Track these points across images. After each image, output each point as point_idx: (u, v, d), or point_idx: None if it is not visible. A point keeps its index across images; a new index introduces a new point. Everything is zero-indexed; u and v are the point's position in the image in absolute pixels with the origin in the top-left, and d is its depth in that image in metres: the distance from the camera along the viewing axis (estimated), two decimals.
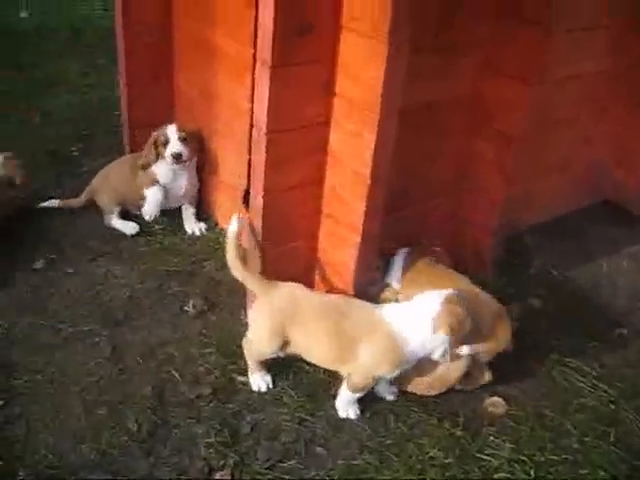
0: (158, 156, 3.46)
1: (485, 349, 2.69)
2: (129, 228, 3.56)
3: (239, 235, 2.65)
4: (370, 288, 2.93)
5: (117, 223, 3.58)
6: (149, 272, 3.31)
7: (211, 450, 2.49)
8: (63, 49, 5.64)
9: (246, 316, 2.80)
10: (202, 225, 3.64)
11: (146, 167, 3.50)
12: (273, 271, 2.74)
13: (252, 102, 2.72)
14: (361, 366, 2.53)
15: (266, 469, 2.45)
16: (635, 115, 3.77)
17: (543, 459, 2.56)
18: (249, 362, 2.73)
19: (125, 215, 3.63)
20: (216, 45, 3.29)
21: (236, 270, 2.66)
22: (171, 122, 3.52)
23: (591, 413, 2.76)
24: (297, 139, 2.63)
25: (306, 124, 2.62)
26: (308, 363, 2.78)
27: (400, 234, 3.14)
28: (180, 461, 2.45)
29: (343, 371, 2.61)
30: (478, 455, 2.56)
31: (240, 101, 3.15)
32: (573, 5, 3.02)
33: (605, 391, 2.85)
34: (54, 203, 3.67)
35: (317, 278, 3.00)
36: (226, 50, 3.23)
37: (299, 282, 2.69)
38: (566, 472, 2.52)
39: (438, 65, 2.89)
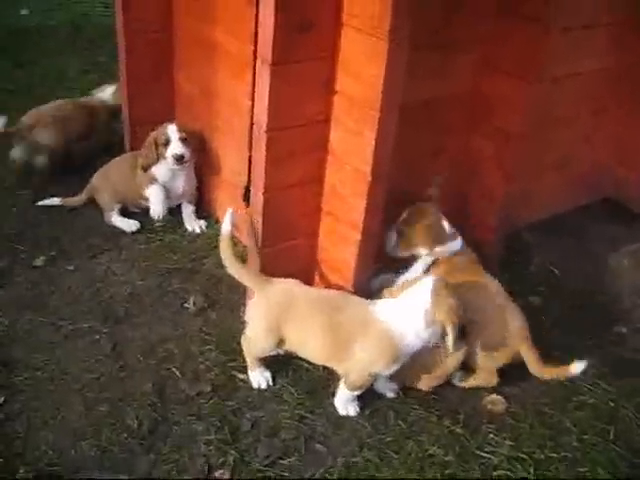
0: (159, 156, 3.45)
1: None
2: (129, 225, 3.56)
3: (233, 232, 2.65)
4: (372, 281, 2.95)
5: (117, 220, 3.58)
6: (149, 269, 3.31)
7: (211, 447, 2.50)
8: (63, 46, 5.63)
9: (245, 315, 2.80)
10: (202, 222, 3.64)
11: (147, 168, 3.50)
12: (273, 269, 2.74)
13: (252, 100, 2.72)
14: (358, 364, 2.54)
15: (266, 466, 2.46)
16: (636, 113, 3.77)
17: (542, 457, 2.56)
18: (248, 359, 2.74)
19: (125, 212, 3.64)
20: (217, 42, 3.29)
21: (232, 268, 2.67)
22: (171, 121, 3.52)
23: (590, 411, 2.76)
24: (297, 137, 2.63)
25: (306, 122, 2.62)
26: (307, 361, 2.78)
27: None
28: (180, 458, 2.46)
29: (339, 369, 2.62)
30: (478, 452, 2.56)
31: (240, 99, 3.15)
32: (572, 2, 3.01)
33: (604, 389, 2.85)
34: (55, 201, 3.67)
35: (317, 276, 3.00)
36: (227, 47, 3.23)
37: (299, 279, 2.70)
38: (565, 470, 2.53)
39: (438, 62, 2.89)
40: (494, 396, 2.79)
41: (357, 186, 2.62)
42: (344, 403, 2.65)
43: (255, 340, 2.68)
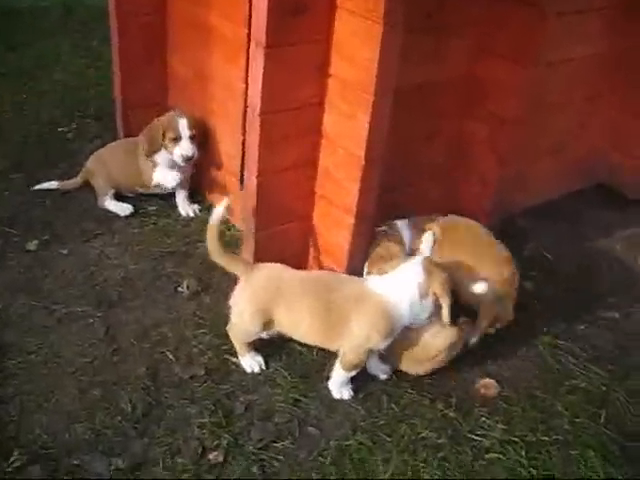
0: (164, 146, 3.41)
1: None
2: (123, 209, 3.55)
3: (226, 218, 2.65)
4: None
5: (111, 204, 3.57)
6: (143, 253, 3.30)
7: (204, 430, 2.51)
8: (56, 28, 5.59)
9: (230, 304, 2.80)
10: (196, 207, 3.63)
11: (150, 155, 3.46)
12: (267, 252, 2.75)
13: (247, 83, 2.71)
14: (354, 340, 2.55)
15: (259, 449, 2.47)
16: (630, 99, 3.77)
17: (534, 440, 2.58)
18: (237, 346, 2.74)
19: (119, 196, 3.62)
20: (211, 25, 3.27)
21: (215, 256, 2.66)
22: (179, 113, 3.40)
23: (582, 394, 2.78)
24: (291, 120, 2.62)
25: (300, 105, 2.61)
26: (301, 344, 2.79)
27: (394, 216, 3.14)
28: (174, 441, 2.47)
29: (333, 348, 2.63)
30: (470, 436, 2.58)
31: (235, 82, 3.13)
32: None
33: (596, 373, 2.87)
34: (52, 185, 3.66)
35: (311, 259, 3.00)
36: (221, 30, 3.21)
37: (293, 263, 2.70)
38: (557, 452, 2.54)
39: (432, 46, 2.88)
40: (487, 380, 2.80)
41: (351, 170, 2.62)
42: (339, 386, 2.66)
43: (240, 324, 2.68)
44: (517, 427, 2.62)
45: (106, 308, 2.98)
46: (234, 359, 2.77)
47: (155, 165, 3.49)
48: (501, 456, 2.51)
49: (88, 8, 5.83)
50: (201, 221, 3.55)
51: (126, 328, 2.90)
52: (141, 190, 3.61)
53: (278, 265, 2.67)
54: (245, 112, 2.77)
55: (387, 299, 2.53)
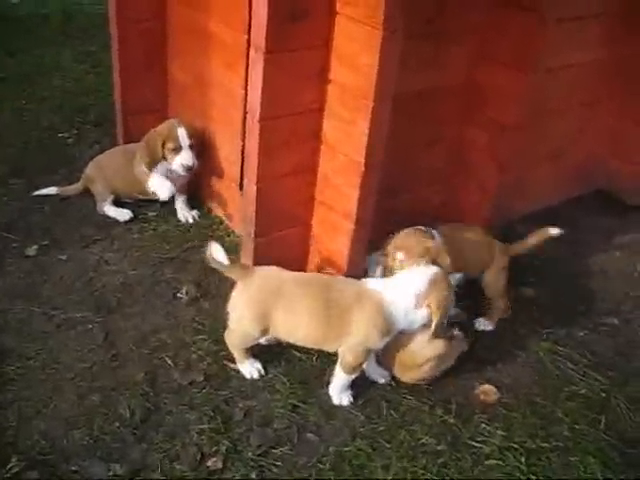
0: (164, 157, 3.41)
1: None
2: (122, 215, 3.55)
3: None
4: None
5: (110, 210, 3.57)
6: (142, 259, 3.30)
7: (203, 436, 2.50)
8: (55, 35, 5.60)
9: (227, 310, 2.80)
10: (195, 212, 3.63)
11: (152, 167, 3.44)
12: (266, 258, 2.74)
13: (246, 89, 2.71)
14: (354, 339, 2.55)
15: (258, 455, 2.46)
16: (629, 105, 3.77)
17: (534, 446, 2.57)
18: (235, 353, 2.73)
19: (118, 202, 3.62)
20: (210, 32, 3.28)
21: (213, 262, 2.64)
22: (178, 121, 3.41)
23: (582, 401, 2.77)
24: (291, 126, 2.63)
25: (300, 111, 2.61)
26: (300, 350, 2.79)
27: (393, 222, 3.14)
28: (172, 447, 2.46)
29: (332, 349, 2.63)
30: (470, 442, 2.57)
31: (234, 88, 3.14)
32: None
33: (596, 379, 2.87)
34: (52, 190, 3.66)
35: (310, 265, 3.00)
36: (220, 37, 3.21)
37: (292, 269, 2.69)
38: (557, 459, 2.54)
39: (432, 52, 2.89)
40: (486, 386, 2.79)
41: (350, 176, 2.62)
42: (339, 391, 2.66)
43: (239, 331, 2.68)
44: (517, 433, 2.62)
45: (105, 314, 2.98)
46: (233, 365, 2.77)
47: (150, 174, 3.48)
48: (501, 462, 2.51)
49: (88, 15, 5.84)
50: (200, 227, 3.56)
51: (125, 334, 2.89)
52: (140, 196, 3.61)
53: (274, 268, 2.66)
54: (245, 118, 2.77)
55: (385, 298, 2.54)
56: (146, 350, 2.82)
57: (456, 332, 2.80)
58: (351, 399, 2.66)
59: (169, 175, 3.47)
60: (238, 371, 2.75)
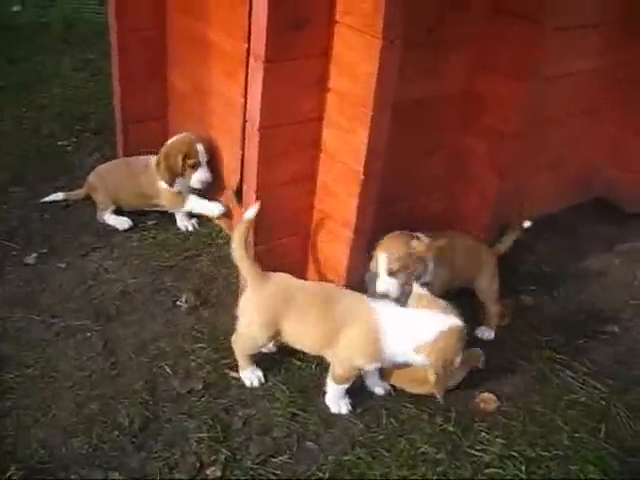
0: (183, 173, 3.44)
1: None
2: (121, 223, 3.55)
3: (251, 222, 2.66)
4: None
5: (110, 218, 3.57)
6: (141, 267, 3.30)
7: (202, 445, 2.49)
8: (56, 43, 5.61)
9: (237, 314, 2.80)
10: (194, 221, 3.63)
11: (173, 182, 3.46)
12: (266, 266, 2.74)
13: (246, 98, 2.71)
14: (340, 353, 2.54)
15: (257, 464, 2.45)
16: (628, 113, 3.78)
17: (534, 455, 2.57)
18: (239, 358, 2.73)
19: (118, 210, 3.62)
20: (210, 40, 3.29)
21: (238, 252, 2.65)
22: (193, 138, 3.44)
23: (582, 409, 2.77)
24: (290, 134, 2.63)
25: (299, 119, 2.61)
26: (299, 359, 2.79)
27: (394, 230, 3.14)
28: (171, 456, 2.45)
29: (327, 356, 2.63)
30: (469, 451, 2.57)
31: (234, 96, 3.14)
32: (567, 2, 3.02)
33: (595, 387, 2.86)
34: (59, 196, 3.68)
35: (310, 273, 3.00)
36: (220, 45, 3.22)
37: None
38: (557, 468, 2.53)
39: (431, 61, 2.89)
40: (486, 394, 2.79)
41: (350, 184, 2.62)
42: (334, 400, 2.65)
43: (247, 335, 2.68)
44: (516, 442, 2.61)
45: (104, 322, 2.97)
46: (232, 373, 2.76)
47: (184, 195, 3.51)
48: (500, 471, 2.50)
49: (88, 23, 5.85)
50: (200, 236, 3.56)
51: (124, 342, 2.89)
52: (145, 208, 3.61)
53: (285, 275, 2.67)
54: (244, 126, 2.77)
55: (382, 329, 2.48)
56: (145, 358, 2.82)
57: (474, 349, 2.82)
58: (349, 407, 2.66)
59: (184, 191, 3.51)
60: (237, 379, 2.75)
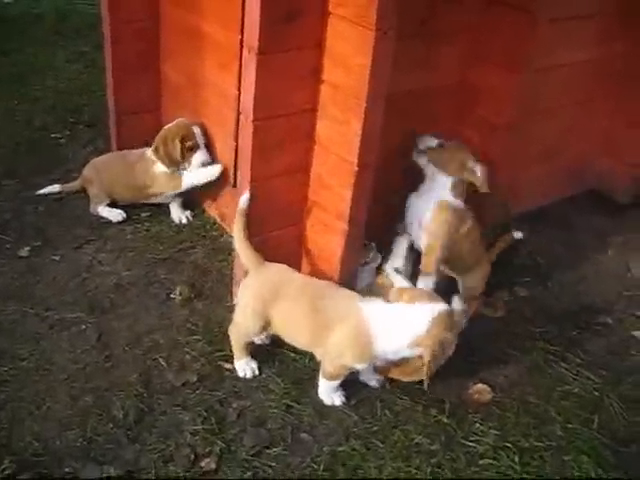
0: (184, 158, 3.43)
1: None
2: (115, 215, 3.54)
3: (246, 210, 2.67)
4: (361, 275, 2.96)
5: (104, 211, 3.56)
6: (135, 260, 3.30)
7: (197, 437, 2.50)
8: (48, 35, 5.58)
9: (232, 303, 2.80)
10: (188, 213, 3.62)
11: (176, 166, 3.44)
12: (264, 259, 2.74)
13: (240, 89, 2.71)
14: (329, 352, 2.54)
15: (252, 456, 2.46)
16: (622, 105, 3.78)
17: (527, 445, 2.58)
18: (235, 347, 2.73)
19: (112, 203, 3.60)
20: (204, 32, 3.27)
21: (238, 242, 2.68)
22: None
23: (575, 400, 2.78)
24: (284, 126, 2.62)
25: (293, 111, 2.61)
26: (294, 351, 2.79)
27: (388, 221, 3.15)
28: (166, 448, 2.46)
29: (317, 355, 2.63)
30: (463, 442, 2.58)
31: (228, 88, 3.13)
32: None
33: (589, 378, 2.87)
34: (55, 188, 3.67)
35: (304, 265, 3.00)
36: (214, 37, 3.21)
37: None
38: (550, 458, 2.54)
39: (424, 52, 2.89)
40: (480, 386, 2.80)
41: (343, 176, 2.62)
42: (327, 393, 2.66)
43: (243, 322, 2.68)
44: (510, 433, 2.62)
45: (98, 314, 2.97)
46: (227, 365, 2.77)
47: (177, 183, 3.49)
48: (494, 462, 2.51)
49: (81, 15, 5.82)
50: (194, 228, 3.56)
51: (118, 335, 2.89)
52: (140, 201, 3.60)
53: (284, 266, 2.67)
54: (238, 118, 2.77)
55: (371, 328, 2.46)
56: (140, 351, 2.82)
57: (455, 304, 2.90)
58: (343, 399, 2.66)
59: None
60: (232, 371, 2.75)
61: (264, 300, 2.59)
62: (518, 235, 3.24)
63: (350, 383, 2.68)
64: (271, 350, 2.83)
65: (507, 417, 2.69)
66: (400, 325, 2.47)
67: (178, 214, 3.60)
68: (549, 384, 2.85)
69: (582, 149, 3.88)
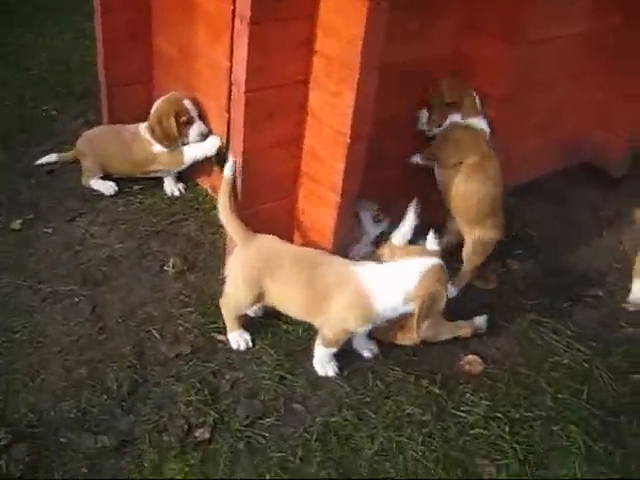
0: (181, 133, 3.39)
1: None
2: (107, 188, 3.52)
3: (232, 181, 2.66)
4: (357, 247, 2.96)
5: (95, 184, 3.54)
6: (128, 232, 3.29)
7: (191, 408, 2.52)
8: (39, 6, 5.50)
9: (225, 275, 2.81)
10: (181, 185, 3.61)
11: (173, 143, 3.41)
12: (252, 230, 2.73)
13: (231, 60, 2.68)
14: (331, 318, 2.56)
15: (245, 426, 2.48)
16: (616, 78, 3.77)
17: (518, 415, 2.61)
18: (227, 320, 2.75)
19: (104, 175, 3.58)
20: (195, 2, 3.23)
21: (223, 213, 2.67)
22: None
23: (565, 371, 2.81)
24: (276, 97, 2.61)
25: (285, 82, 2.59)
26: (286, 322, 2.80)
27: (379, 195, 3.15)
28: (160, 419, 2.48)
29: (316, 323, 2.64)
30: (454, 412, 2.60)
31: (220, 59, 3.10)
32: None
33: (579, 350, 2.90)
34: (52, 157, 3.67)
35: (296, 237, 3.00)
36: (206, 7, 3.17)
37: None
38: (540, 428, 2.58)
39: (418, 24, 2.86)
40: (471, 357, 2.82)
41: (336, 148, 2.61)
42: (321, 362, 2.68)
43: (234, 294, 2.69)
44: (501, 403, 2.65)
45: (91, 287, 2.97)
46: (220, 337, 2.78)
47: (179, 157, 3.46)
48: (485, 431, 2.54)
49: None
50: (186, 200, 3.55)
51: (112, 307, 2.89)
52: (137, 175, 3.58)
53: (273, 237, 2.67)
54: (230, 90, 2.75)
55: (369, 291, 2.50)
56: (133, 323, 2.83)
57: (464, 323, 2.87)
58: (336, 370, 2.68)
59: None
60: (225, 343, 2.76)
61: (256, 272, 2.60)
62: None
63: (343, 354, 2.70)
64: (264, 322, 2.84)
65: (498, 388, 2.71)
66: (394, 282, 2.50)
67: (171, 187, 3.59)
68: (540, 355, 2.87)
69: (576, 122, 3.88)
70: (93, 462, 2.33)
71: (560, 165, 3.92)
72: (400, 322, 2.67)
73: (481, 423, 2.57)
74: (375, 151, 2.72)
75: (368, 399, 2.62)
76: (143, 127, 3.47)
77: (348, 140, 2.54)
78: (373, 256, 2.80)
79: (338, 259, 2.65)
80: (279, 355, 2.74)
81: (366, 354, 2.77)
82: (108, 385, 2.57)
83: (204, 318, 2.85)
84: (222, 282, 2.79)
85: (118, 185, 3.54)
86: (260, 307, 2.78)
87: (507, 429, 2.55)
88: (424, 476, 2.39)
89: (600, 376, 2.80)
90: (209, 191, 3.57)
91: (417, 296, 2.46)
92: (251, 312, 2.79)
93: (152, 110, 3.44)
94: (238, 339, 2.75)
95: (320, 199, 2.79)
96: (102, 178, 3.56)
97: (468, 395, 2.67)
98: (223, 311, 2.75)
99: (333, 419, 2.53)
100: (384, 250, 2.67)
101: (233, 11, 2.80)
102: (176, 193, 3.58)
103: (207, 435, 2.44)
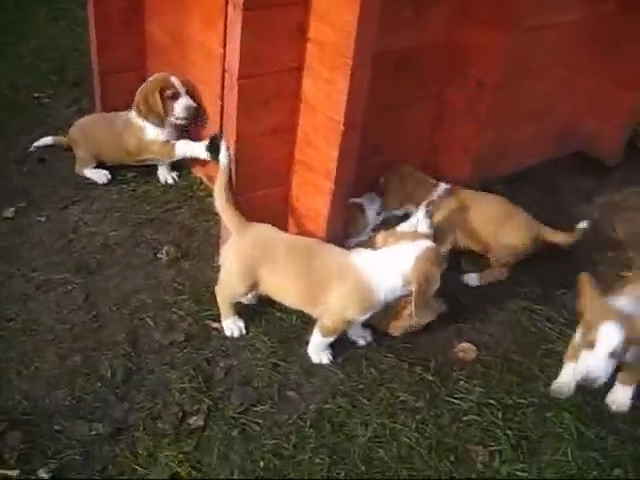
0: (166, 111, 3.37)
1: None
2: (100, 176, 3.51)
3: (228, 169, 2.65)
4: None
5: (89, 172, 3.53)
6: (122, 220, 3.29)
7: (185, 395, 2.52)
8: None
9: (219, 263, 2.80)
10: (175, 173, 3.60)
11: (161, 121, 3.39)
12: (247, 218, 2.73)
13: (225, 47, 2.67)
14: (332, 308, 2.56)
15: (239, 413, 2.49)
16: (609, 66, 3.77)
17: (511, 402, 2.62)
18: (222, 307, 2.75)
19: (98, 163, 3.57)
20: None
21: (219, 201, 2.66)
22: (165, 73, 3.39)
23: (558, 358, 2.80)
24: (270, 84, 2.60)
25: (279, 69, 2.58)
26: (280, 310, 2.81)
27: (373, 182, 3.15)
28: (154, 406, 2.48)
29: (314, 314, 2.64)
30: (448, 399, 2.62)
31: (213, 46, 3.09)
32: None
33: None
34: (48, 140, 3.67)
35: (290, 224, 3.00)
36: None
37: None
38: (532, 414, 2.59)
39: (412, 11, 2.86)
40: (465, 344, 2.83)
41: (330, 135, 2.60)
42: (317, 350, 2.68)
43: (229, 283, 2.69)
44: (494, 390, 2.66)
45: (85, 275, 2.97)
46: (214, 324, 2.78)
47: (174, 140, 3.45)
48: (478, 418, 2.55)
49: None
50: (180, 188, 3.54)
51: (105, 295, 2.89)
52: (129, 163, 3.57)
53: (269, 226, 2.67)
54: (224, 77, 2.74)
55: (369, 278, 2.51)
56: (127, 311, 2.83)
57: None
58: (330, 357, 2.69)
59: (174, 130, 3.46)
60: (219, 330, 2.77)
61: (251, 261, 2.60)
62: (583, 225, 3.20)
63: (337, 342, 2.70)
64: (258, 309, 2.84)
65: (491, 375, 2.72)
66: (391, 267, 2.51)
67: (165, 174, 3.58)
68: (533, 342, 2.88)
69: (570, 110, 3.88)
70: (87, 449, 2.33)
71: (553, 153, 3.93)
72: (395, 309, 2.68)
73: (474, 410, 2.58)
74: (367, 139, 2.72)
75: (362, 386, 2.63)
76: (133, 113, 3.45)
77: (342, 127, 2.54)
78: (367, 243, 2.80)
79: (334, 248, 2.65)
80: (273, 342, 2.74)
81: (360, 342, 2.77)
82: (102, 373, 2.57)
83: (198, 306, 2.85)
84: (216, 270, 2.79)
85: (112, 173, 3.53)
86: (254, 295, 2.78)
87: (500, 415, 2.56)
88: (418, 462, 2.40)
89: None
90: (203, 179, 3.56)
91: (414, 278, 2.47)
92: (246, 300, 2.79)
93: (139, 90, 3.43)
94: (232, 326, 2.75)
95: (314, 186, 2.79)
96: (96, 166, 3.54)
97: (461, 382, 2.68)
98: (218, 298, 2.75)
99: (327, 406, 2.54)
100: (377, 237, 2.67)
101: None
102: (170, 181, 3.57)
103: (201, 422, 2.44)
